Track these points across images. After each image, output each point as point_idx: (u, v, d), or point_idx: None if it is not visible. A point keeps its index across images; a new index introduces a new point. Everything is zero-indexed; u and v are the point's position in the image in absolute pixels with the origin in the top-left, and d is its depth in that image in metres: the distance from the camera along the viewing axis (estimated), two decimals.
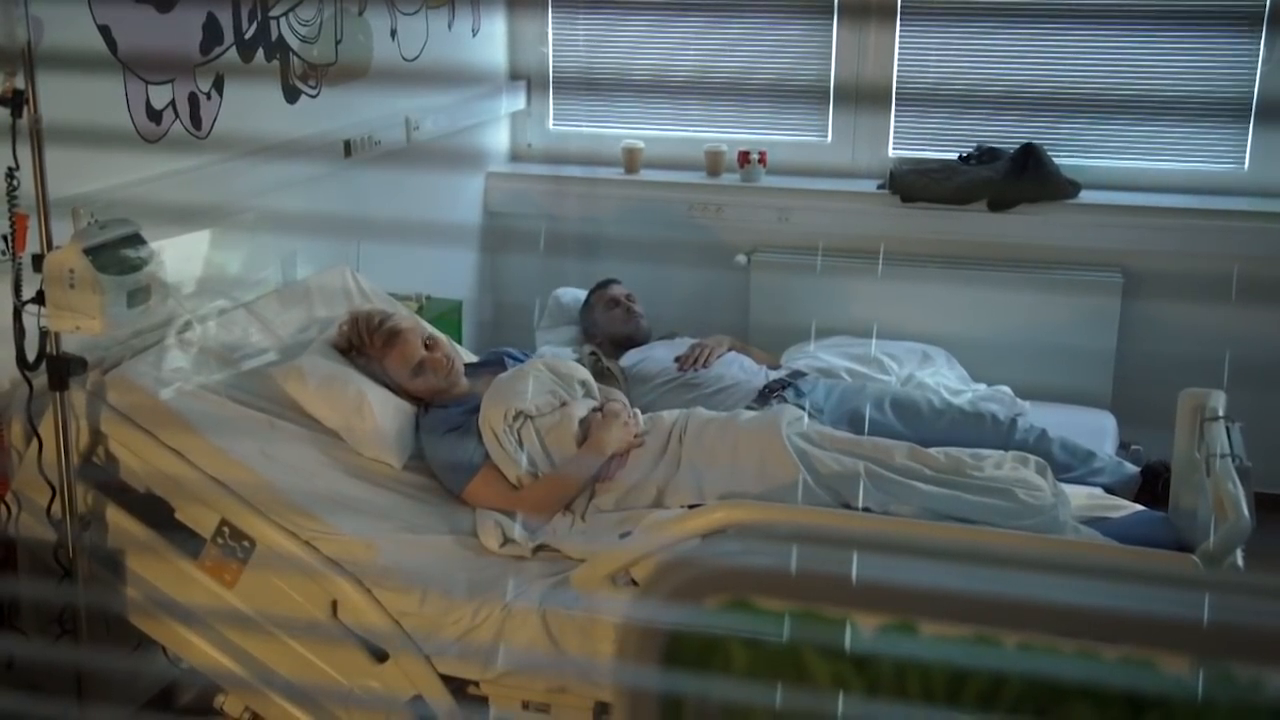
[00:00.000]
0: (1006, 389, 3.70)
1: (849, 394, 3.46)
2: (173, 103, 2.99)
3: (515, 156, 4.69)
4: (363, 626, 2.56)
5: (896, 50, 4.23)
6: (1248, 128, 4.04)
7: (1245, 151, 4.06)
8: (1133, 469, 3.21)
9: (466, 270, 4.50)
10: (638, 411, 3.09)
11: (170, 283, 2.64)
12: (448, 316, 3.78)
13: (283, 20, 3.35)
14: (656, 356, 3.74)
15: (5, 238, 2.50)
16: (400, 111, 3.86)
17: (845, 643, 0.88)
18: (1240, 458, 2.46)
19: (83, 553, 2.59)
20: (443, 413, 2.99)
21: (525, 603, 2.51)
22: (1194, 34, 4.01)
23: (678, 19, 4.44)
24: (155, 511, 2.65)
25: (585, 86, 4.59)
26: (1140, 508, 2.91)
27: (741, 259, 4.34)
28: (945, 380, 3.76)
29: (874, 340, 3.84)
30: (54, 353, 2.51)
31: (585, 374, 3.16)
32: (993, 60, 4.21)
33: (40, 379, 2.55)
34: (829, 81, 4.34)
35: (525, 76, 4.60)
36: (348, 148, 3.61)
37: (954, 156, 4.24)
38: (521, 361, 3.21)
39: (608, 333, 3.91)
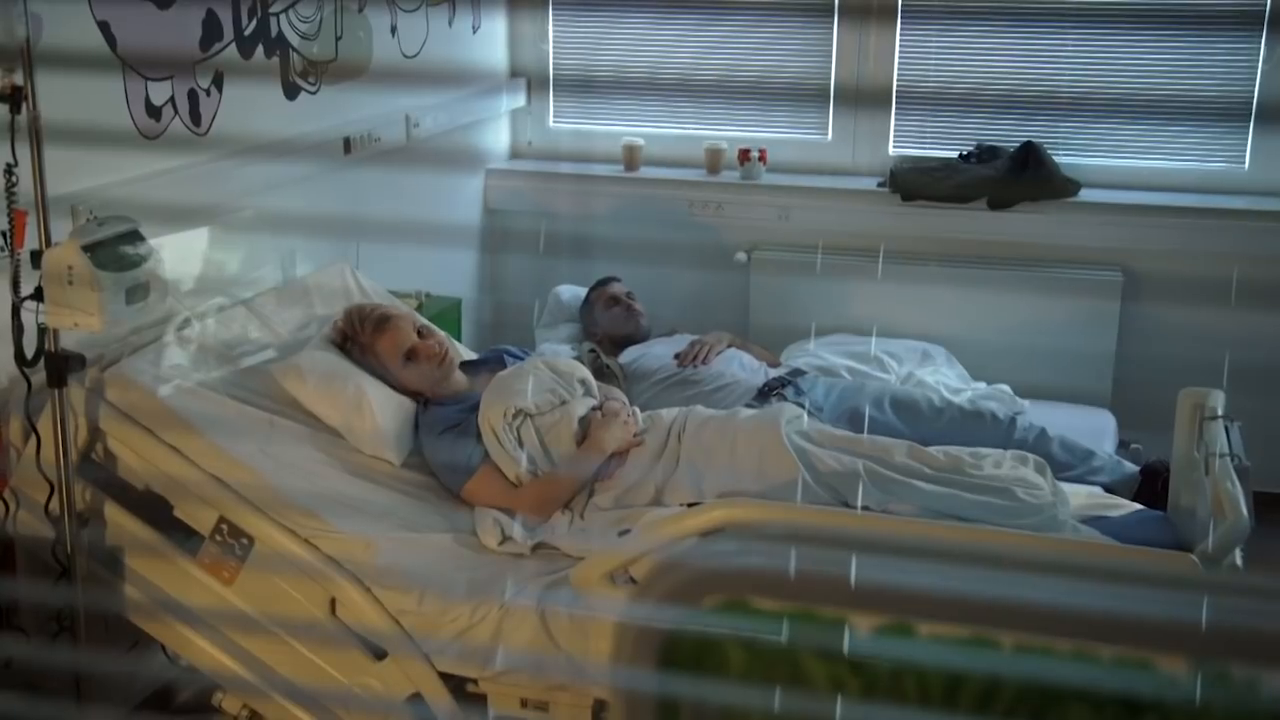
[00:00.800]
0: (1006, 388, 3.70)
1: (848, 392, 3.46)
2: (172, 99, 2.99)
3: (515, 154, 4.68)
4: (361, 625, 2.56)
5: (897, 48, 4.23)
6: (1248, 127, 4.04)
7: (1245, 151, 4.06)
8: (1132, 468, 3.20)
9: (466, 268, 4.49)
10: (637, 410, 3.09)
11: (169, 280, 2.64)
12: (447, 314, 3.78)
13: (282, 17, 3.35)
14: (655, 353, 3.74)
15: (4, 234, 2.50)
16: (400, 109, 3.86)
17: (842, 644, 0.87)
18: (1239, 457, 2.46)
19: (81, 550, 2.59)
20: (442, 411, 2.99)
21: (524, 601, 2.50)
22: (1195, 34, 4.01)
23: (678, 17, 4.44)
24: (154, 509, 2.65)
25: (585, 84, 4.58)
26: (1139, 507, 2.91)
27: (741, 257, 4.33)
28: (945, 379, 3.76)
29: (873, 338, 3.84)
30: (52, 349, 2.50)
31: (585, 372, 3.16)
32: (993, 58, 4.21)
33: (39, 376, 2.55)
34: (829, 79, 4.34)
35: (525, 74, 4.60)
36: (347, 145, 3.60)
37: (954, 155, 4.24)
38: (521, 359, 3.21)
39: (607, 330, 3.91)
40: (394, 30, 3.86)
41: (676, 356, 3.68)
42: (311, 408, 2.87)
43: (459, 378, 3.13)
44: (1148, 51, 4.06)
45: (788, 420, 2.89)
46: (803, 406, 3.17)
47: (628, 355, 3.76)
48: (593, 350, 3.70)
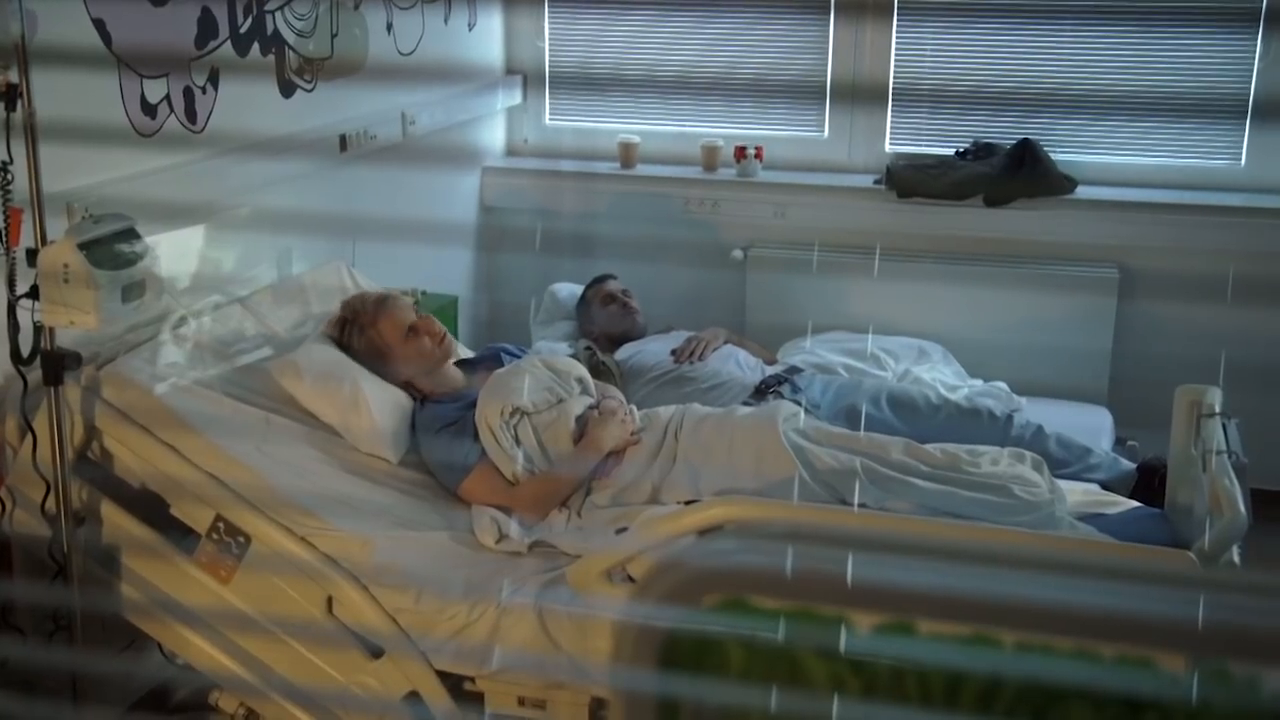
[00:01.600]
0: (1003, 385, 3.70)
1: (845, 390, 3.46)
2: (168, 97, 2.98)
3: (511, 151, 4.68)
4: (358, 623, 2.55)
5: (893, 45, 4.23)
6: (1244, 124, 4.04)
7: (1242, 148, 4.06)
8: (1129, 465, 3.21)
9: (462, 265, 4.49)
10: (634, 408, 3.08)
11: (165, 278, 2.64)
12: (443, 312, 3.77)
13: (278, 14, 3.34)
14: (652, 350, 3.73)
15: None
16: (396, 106, 3.85)
17: (841, 642, 0.87)
18: (1237, 454, 2.46)
19: (77, 549, 2.58)
20: (439, 409, 2.98)
21: (521, 600, 2.50)
22: (1191, 31, 4.01)
23: (674, 14, 4.43)
24: (150, 508, 2.64)
25: (581, 81, 4.57)
26: (1136, 504, 2.91)
27: (738, 254, 4.33)
28: (942, 376, 3.76)
29: (870, 336, 3.84)
30: (48, 348, 2.50)
31: (582, 371, 3.16)
32: (990, 56, 4.20)
33: (35, 374, 2.54)
34: (826, 77, 4.33)
35: (521, 71, 4.59)
36: (343, 142, 3.60)
37: (951, 152, 4.24)
38: (518, 357, 3.21)
39: (604, 328, 3.90)
40: (390, 27, 3.85)
41: (673, 353, 3.68)
42: (308, 405, 2.87)
43: (456, 374, 3.13)
44: (1144, 48, 4.06)
45: (785, 418, 2.89)
46: (800, 404, 3.17)
47: (624, 352, 3.75)
48: (589, 348, 3.70)
